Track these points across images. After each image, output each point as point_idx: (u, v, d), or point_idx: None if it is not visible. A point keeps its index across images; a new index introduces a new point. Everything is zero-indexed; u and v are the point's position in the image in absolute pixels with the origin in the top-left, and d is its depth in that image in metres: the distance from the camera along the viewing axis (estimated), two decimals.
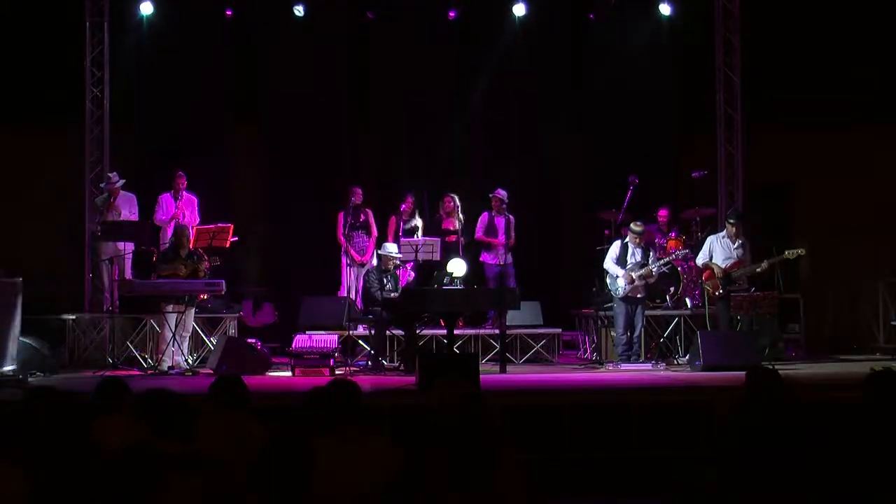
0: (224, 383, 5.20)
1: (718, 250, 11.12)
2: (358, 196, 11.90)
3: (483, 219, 12.29)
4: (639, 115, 13.12)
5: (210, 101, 12.92)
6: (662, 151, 13.25)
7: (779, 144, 13.32)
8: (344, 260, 12.03)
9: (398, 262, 11.28)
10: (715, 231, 12.15)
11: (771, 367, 7.75)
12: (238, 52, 13.21)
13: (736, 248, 11.06)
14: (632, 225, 11.06)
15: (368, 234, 12.03)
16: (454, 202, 12.24)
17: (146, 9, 12.52)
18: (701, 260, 11.19)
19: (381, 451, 4.30)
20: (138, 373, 10.24)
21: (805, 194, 13.69)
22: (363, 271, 11.66)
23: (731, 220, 11.19)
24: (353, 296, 11.50)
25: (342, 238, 11.99)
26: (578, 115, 13.58)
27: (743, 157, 12.66)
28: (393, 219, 12.17)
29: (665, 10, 12.92)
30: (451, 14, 13.02)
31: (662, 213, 12.28)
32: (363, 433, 4.32)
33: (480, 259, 12.29)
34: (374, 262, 11.56)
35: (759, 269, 10.90)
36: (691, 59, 13.20)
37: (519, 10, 12.98)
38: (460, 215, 12.24)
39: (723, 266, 10.98)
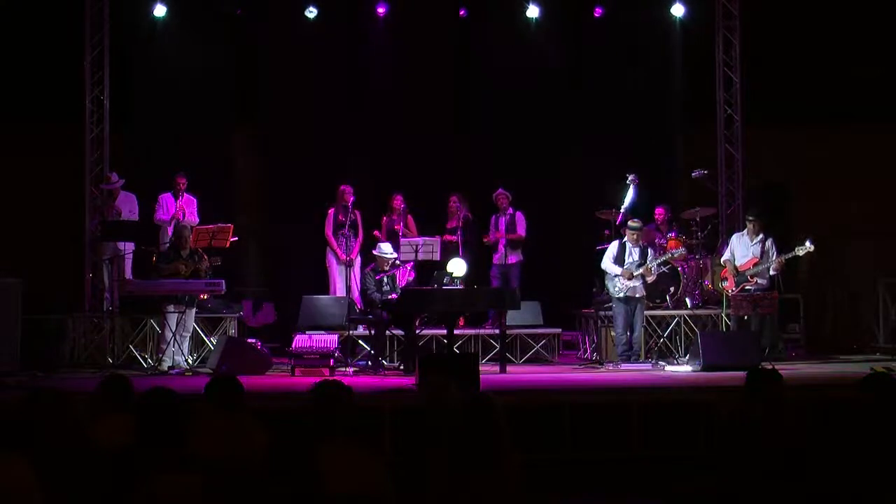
0: (219, 383, 5.18)
1: (738, 248, 11.09)
2: (350, 195, 11.92)
3: (490, 222, 12.34)
4: (639, 115, 13.11)
5: (211, 101, 12.89)
6: (662, 151, 13.23)
7: (779, 144, 13.31)
8: (332, 259, 12.04)
9: (397, 262, 11.27)
10: (718, 230, 12.16)
11: (772, 367, 7.75)
12: (238, 53, 13.18)
13: (753, 246, 11.02)
14: (629, 222, 11.04)
15: (356, 234, 12.02)
16: (457, 202, 12.25)
17: (159, 11, 12.53)
18: (723, 258, 11.18)
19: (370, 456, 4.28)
20: (138, 373, 10.23)
21: (805, 194, 13.68)
22: (354, 269, 11.67)
23: (750, 218, 11.16)
24: (353, 295, 11.50)
25: (330, 236, 12.01)
26: (578, 115, 13.56)
27: (743, 156, 12.64)
28: (385, 219, 12.20)
29: (678, 10, 12.93)
30: (462, 13, 13.04)
31: (659, 212, 12.27)
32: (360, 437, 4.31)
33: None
34: (360, 260, 11.68)
35: (772, 270, 10.86)
36: (691, 58, 13.19)
37: (532, 11, 13.02)
38: (469, 215, 12.25)
39: (740, 264, 10.95)
